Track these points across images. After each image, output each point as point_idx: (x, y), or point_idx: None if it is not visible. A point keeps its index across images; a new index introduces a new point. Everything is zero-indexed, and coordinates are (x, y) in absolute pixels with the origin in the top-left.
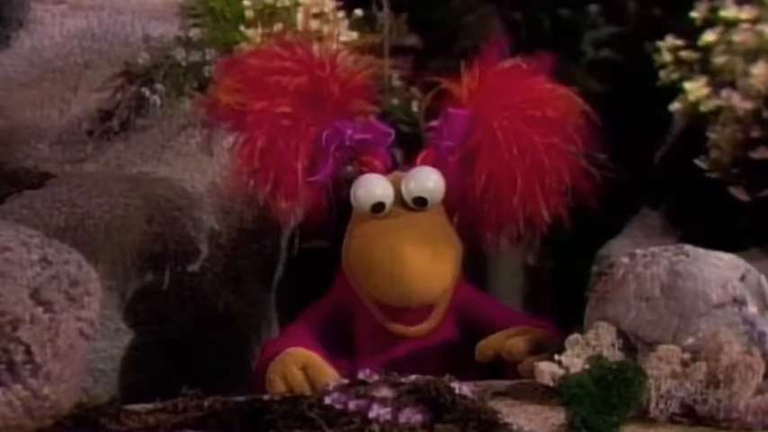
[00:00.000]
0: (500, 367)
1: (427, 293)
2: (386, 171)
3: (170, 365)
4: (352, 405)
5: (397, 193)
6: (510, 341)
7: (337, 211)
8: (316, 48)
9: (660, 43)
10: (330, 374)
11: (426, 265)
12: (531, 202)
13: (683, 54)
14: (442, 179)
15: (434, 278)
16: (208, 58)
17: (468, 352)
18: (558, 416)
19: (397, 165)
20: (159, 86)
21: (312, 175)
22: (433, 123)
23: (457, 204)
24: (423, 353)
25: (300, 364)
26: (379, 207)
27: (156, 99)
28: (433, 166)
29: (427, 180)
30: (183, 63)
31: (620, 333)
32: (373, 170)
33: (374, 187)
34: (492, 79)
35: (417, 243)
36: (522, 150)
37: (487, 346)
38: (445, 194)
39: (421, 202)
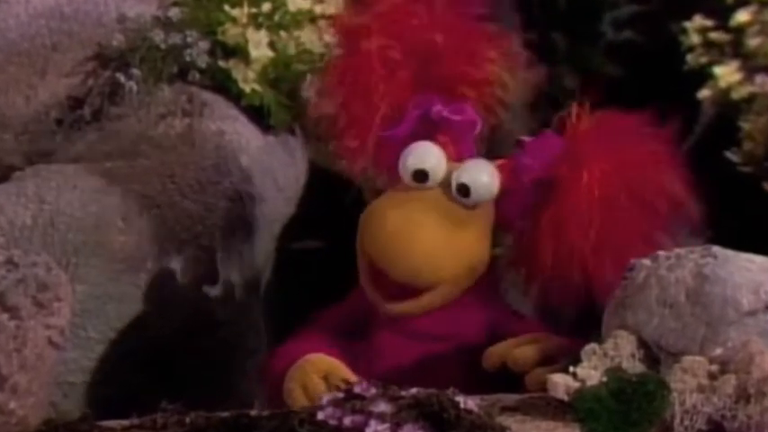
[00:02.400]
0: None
1: (432, 272)
2: (454, 158)
3: (148, 377)
4: (347, 421)
5: (448, 175)
6: (518, 349)
7: (333, 208)
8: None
9: (687, 24)
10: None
11: (438, 246)
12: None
13: (713, 35)
14: (498, 180)
15: (444, 260)
16: (189, 40)
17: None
18: None
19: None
20: (135, 71)
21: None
22: (525, 138)
23: (513, 228)
24: (440, 362)
25: (322, 372)
26: (420, 176)
27: (132, 85)
28: (506, 177)
29: (481, 172)
30: (162, 46)
31: (642, 342)
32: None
33: (427, 154)
34: (604, 122)
35: (438, 224)
36: (597, 217)
37: (494, 353)
38: (504, 211)
39: (464, 191)
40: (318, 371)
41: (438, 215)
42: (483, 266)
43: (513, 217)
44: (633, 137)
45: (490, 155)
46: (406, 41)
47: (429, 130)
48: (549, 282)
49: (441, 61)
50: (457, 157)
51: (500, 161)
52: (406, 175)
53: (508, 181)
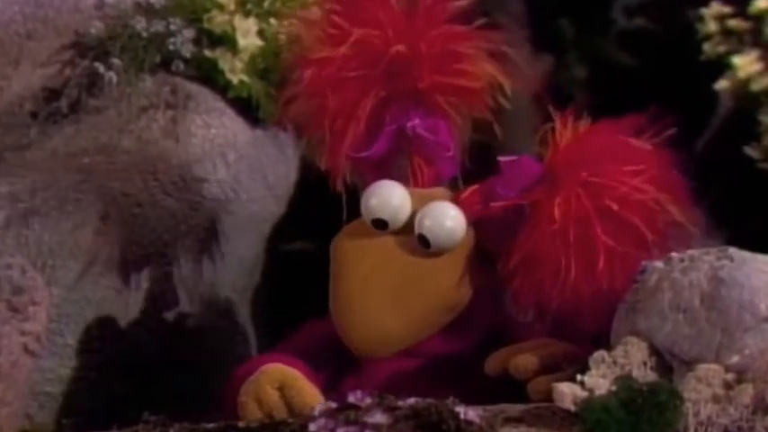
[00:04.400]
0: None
1: (381, 345)
2: (427, 182)
3: (129, 387)
4: None
5: (411, 218)
6: (520, 356)
7: (325, 207)
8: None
9: (704, 10)
10: (311, 394)
11: (387, 318)
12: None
13: (732, 23)
14: (463, 225)
15: (393, 332)
16: (172, 28)
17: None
18: None
19: (457, 181)
20: (115, 61)
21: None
22: (504, 159)
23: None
24: (435, 378)
25: (276, 383)
26: (380, 224)
27: (112, 76)
28: (478, 205)
29: (442, 220)
30: (144, 34)
31: (653, 350)
32: (421, 175)
33: (389, 199)
34: (584, 139)
35: (395, 284)
36: (578, 240)
37: (496, 358)
38: (483, 237)
39: (425, 243)
40: (273, 381)
41: (396, 271)
42: (463, 302)
43: (492, 244)
44: (619, 153)
45: (497, 151)
46: (370, 56)
47: (406, 144)
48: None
49: (410, 73)
50: (430, 180)
51: (472, 188)
52: (366, 218)
53: (480, 209)
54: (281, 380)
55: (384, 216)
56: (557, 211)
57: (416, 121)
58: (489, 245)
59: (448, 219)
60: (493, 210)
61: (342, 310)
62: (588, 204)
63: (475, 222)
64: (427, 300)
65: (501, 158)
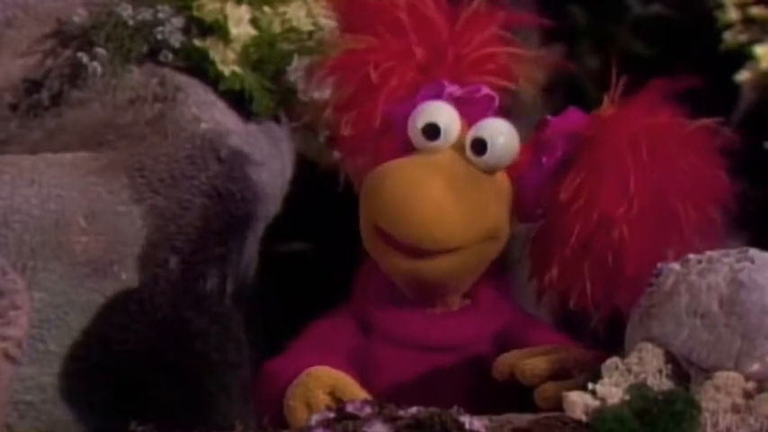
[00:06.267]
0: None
1: (441, 232)
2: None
3: (115, 396)
4: None
5: (462, 137)
6: (528, 360)
7: (323, 206)
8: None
9: None
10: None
11: (448, 204)
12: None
13: (754, 11)
14: (518, 143)
15: (454, 220)
16: (160, 16)
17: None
18: None
19: None
20: (100, 51)
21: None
22: (549, 117)
23: (529, 216)
24: (446, 376)
25: (328, 388)
26: (431, 131)
27: (97, 66)
28: (525, 157)
29: (500, 129)
30: (130, 22)
31: (669, 357)
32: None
33: (439, 110)
34: (635, 108)
35: (449, 182)
36: (650, 154)
37: (504, 362)
38: (520, 196)
39: (480, 147)
40: (324, 386)
41: (449, 174)
42: (505, 237)
43: (530, 202)
44: (675, 117)
45: None
46: (415, 18)
47: None
48: (567, 279)
49: (453, 44)
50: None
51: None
52: (415, 134)
53: (526, 160)
54: (333, 384)
55: (437, 120)
56: (624, 134)
57: (449, 88)
58: (520, 207)
59: (505, 130)
60: (542, 160)
61: (394, 195)
62: (657, 135)
63: (515, 179)
64: (478, 210)
65: (546, 117)
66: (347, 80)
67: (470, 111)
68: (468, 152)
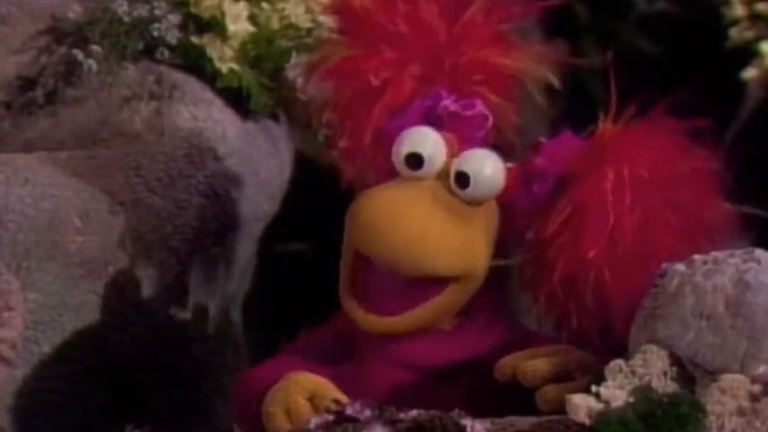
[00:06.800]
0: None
1: (419, 256)
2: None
3: (111, 399)
4: None
5: (446, 166)
6: (529, 362)
7: (321, 206)
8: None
9: None
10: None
11: (427, 230)
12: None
13: (760, 7)
14: (503, 175)
15: (433, 246)
16: (157, 12)
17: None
18: None
19: None
20: (95, 48)
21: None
22: (542, 140)
23: (520, 240)
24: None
25: (308, 393)
26: (414, 160)
27: (92, 64)
28: (514, 180)
29: (484, 162)
30: (126, 19)
31: (674, 359)
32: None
33: (424, 138)
34: (640, 129)
35: (429, 210)
36: (622, 227)
37: (506, 363)
38: (510, 219)
39: (463, 181)
40: (303, 390)
41: (430, 203)
42: (481, 275)
43: (521, 227)
44: (673, 147)
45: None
46: (413, 26)
47: (435, 125)
48: (559, 303)
49: (451, 52)
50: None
51: (509, 164)
52: (398, 162)
53: (516, 185)
54: (313, 389)
55: (421, 150)
56: (609, 173)
57: (448, 101)
58: (510, 231)
59: (489, 163)
60: (532, 185)
61: (375, 218)
62: (648, 186)
63: (505, 203)
64: (457, 242)
65: (541, 140)
66: (343, 87)
67: (461, 131)
68: (452, 184)
